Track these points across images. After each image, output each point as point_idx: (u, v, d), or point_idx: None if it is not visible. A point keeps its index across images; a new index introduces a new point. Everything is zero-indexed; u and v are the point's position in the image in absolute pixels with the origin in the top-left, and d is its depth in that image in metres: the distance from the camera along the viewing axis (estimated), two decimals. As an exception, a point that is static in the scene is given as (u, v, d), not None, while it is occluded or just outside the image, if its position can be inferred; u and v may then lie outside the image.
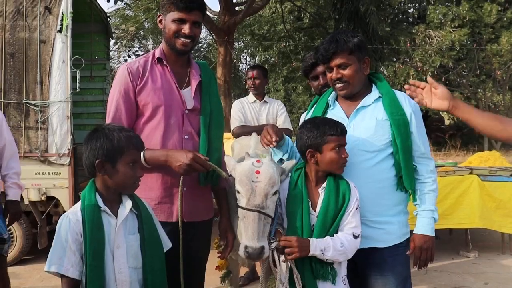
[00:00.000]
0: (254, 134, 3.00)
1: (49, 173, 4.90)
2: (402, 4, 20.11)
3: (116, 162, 1.89)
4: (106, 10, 7.47)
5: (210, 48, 22.29)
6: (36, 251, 5.18)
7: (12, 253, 5.06)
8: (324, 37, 2.47)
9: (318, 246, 1.97)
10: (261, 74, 4.60)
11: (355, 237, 2.05)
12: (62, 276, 1.82)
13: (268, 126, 2.24)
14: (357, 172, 2.21)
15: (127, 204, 1.95)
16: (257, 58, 21.42)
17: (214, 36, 12.89)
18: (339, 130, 2.09)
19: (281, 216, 2.13)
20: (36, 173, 4.87)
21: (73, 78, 4.96)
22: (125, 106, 2.32)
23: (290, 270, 2.03)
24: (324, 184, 2.10)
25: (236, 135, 4.24)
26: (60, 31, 4.86)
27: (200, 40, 20.67)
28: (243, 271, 4.50)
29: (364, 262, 2.25)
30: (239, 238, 2.19)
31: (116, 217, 1.92)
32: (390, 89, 2.33)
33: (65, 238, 1.82)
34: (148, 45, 21.29)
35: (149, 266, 1.93)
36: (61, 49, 4.86)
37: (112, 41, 10.79)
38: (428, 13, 17.60)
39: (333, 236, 2.03)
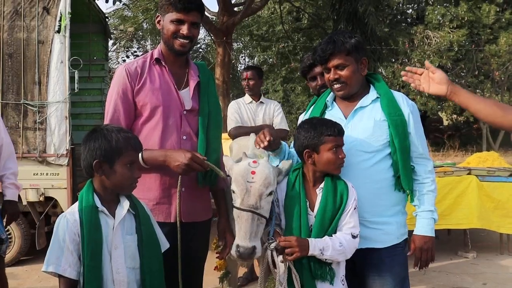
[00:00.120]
0: (252, 135, 2.99)
1: (47, 174, 4.90)
2: (400, 5, 20.14)
3: (114, 163, 1.89)
4: (104, 11, 7.48)
5: (208, 48, 22.28)
6: (34, 252, 5.17)
7: (10, 254, 5.06)
8: (322, 38, 2.47)
9: (317, 246, 1.97)
10: (256, 75, 4.61)
11: (354, 237, 2.05)
12: (59, 276, 1.82)
13: (266, 129, 2.24)
14: (355, 173, 2.21)
15: (125, 204, 1.95)
16: (255, 58, 21.41)
17: (212, 37, 12.90)
18: (336, 130, 2.09)
19: (279, 217, 2.13)
20: (34, 174, 4.87)
21: (71, 79, 4.96)
22: (123, 107, 2.32)
23: (289, 270, 2.03)
24: (322, 185, 2.10)
25: (233, 136, 4.24)
26: (58, 31, 4.86)
27: (199, 41, 20.68)
28: (241, 271, 4.50)
29: (362, 262, 2.25)
30: None
31: (114, 217, 1.92)
32: (388, 89, 2.33)
33: (62, 238, 1.82)
34: (147, 46, 21.29)
35: (147, 267, 1.93)
36: (59, 50, 4.86)
37: (110, 42, 10.82)
38: (427, 13, 17.62)
39: (332, 236, 2.03)
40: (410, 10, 20.85)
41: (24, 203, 4.88)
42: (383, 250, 2.24)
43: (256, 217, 1.98)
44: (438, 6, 17.56)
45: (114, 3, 10.83)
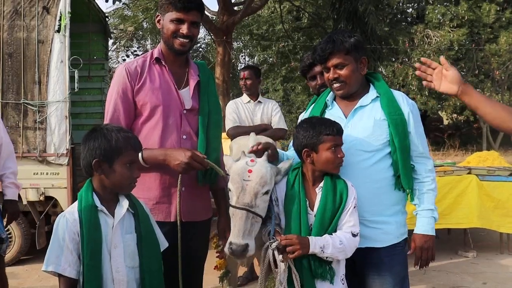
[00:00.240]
0: (252, 134, 2.99)
1: (47, 173, 4.90)
2: (400, 4, 20.14)
3: (113, 162, 1.89)
4: (104, 10, 7.47)
5: (208, 48, 22.28)
6: (34, 251, 5.17)
7: (10, 253, 5.07)
8: (322, 37, 2.47)
9: (318, 244, 1.97)
10: (253, 75, 4.61)
11: (354, 235, 2.05)
12: (59, 275, 1.82)
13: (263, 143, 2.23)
14: (355, 172, 2.21)
15: (124, 203, 1.95)
16: (255, 58, 21.42)
17: (212, 36, 12.89)
18: (335, 130, 2.09)
19: (278, 216, 2.13)
20: (34, 173, 4.87)
21: (71, 78, 4.96)
22: (123, 106, 2.32)
23: (289, 270, 2.03)
24: (322, 184, 2.10)
25: (231, 136, 4.24)
26: (58, 31, 4.86)
27: (199, 40, 20.68)
28: (241, 271, 4.50)
29: (362, 261, 2.25)
30: None
31: (113, 216, 1.92)
32: (387, 88, 2.33)
33: (62, 237, 1.83)
34: (147, 45, 21.29)
35: (146, 266, 1.94)
36: (59, 49, 4.86)
37: (110, 41, 10.81)
38: (427, 13, 17.63)
39: (332, 234, 2.03)
40: (410, 9, 20.87)
41: (24, 202, 4.89)
42: (383, 250, 2.24)
43: (251, 216, 1.99)
44: (439, 5, 17.57)
45: (114, 2, 10.83)
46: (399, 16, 20.46)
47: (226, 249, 2.01)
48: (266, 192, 2.05)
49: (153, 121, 2.33)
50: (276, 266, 2.02)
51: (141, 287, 1.94)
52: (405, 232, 2.34)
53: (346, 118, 2.32)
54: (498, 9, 17.05)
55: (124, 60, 17.82)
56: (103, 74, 7.00)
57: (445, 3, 17.80)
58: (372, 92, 2.33)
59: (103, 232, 1.87)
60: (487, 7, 16.75)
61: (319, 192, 2.09)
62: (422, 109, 17.21)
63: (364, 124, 2.27)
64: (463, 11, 16.58)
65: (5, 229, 3.21)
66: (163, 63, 2.38)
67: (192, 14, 2.31)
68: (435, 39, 16.01)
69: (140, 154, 2.16)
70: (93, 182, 1.94)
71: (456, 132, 21.44)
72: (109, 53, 10.89)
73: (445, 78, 1.94)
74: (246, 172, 2.03)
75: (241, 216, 1.98)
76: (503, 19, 17.05)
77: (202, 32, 18.56)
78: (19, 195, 3.36)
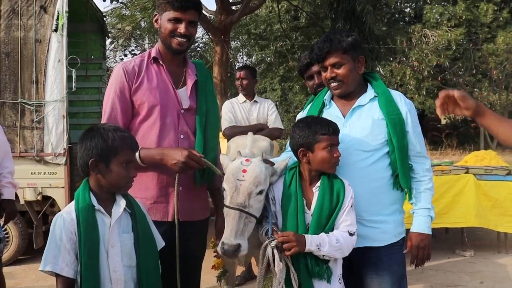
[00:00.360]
0: (250, 133, 3.00)
1: (45, 173, 4.89)
2: (398, 4, 20.17)
3: (110, 162, 1.89)
4: (102, 9, 7.46)
5: (206, 47, 22.27)
6: (32, 251, 5.17)
7: (7, 253, 5.05)
8: (320, 37, 2.47)
9: (314, 241, 1.97)
10: (249, 75, 4.62)
11: (351, 234, 2.05)
12: (57, 275, 1.82)
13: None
14: (353, 172, 2.21)
15: (122, 203, 1.95)
16: (253, 57, 21.43)
17: (210, 36, 12.87)
18: (331, 129, 2.09)
19: (275, 215, 2.13)
20: (32, 173, 4.86)
21: (69, 78, 4.95)
22: (120, 106, 2.31)
23: (287, 269, 2.02)
24: (319, 183, 2.10)
25: (227, 136, 4.23)
26: (56, 30, 4.84)
27: (197, 40, 20.66)
28: (239, 270, 4.50)
29: (360, 261, 2.25)
30: None
31: (110, 216, 1.92)
32: (385, 88, 2.33)
33: (59, 237, 1.82)
34: (145, 45, 21.25)
35: (143, 265, 1.94)
36: (56, 49, 4.85)
37: (108, 41, 10.79)
38: (425, 12, 17.66)
39: (328, 233, 2.03)
40: (408, 9, 20.90)
41: (22, 202, 4.87)
42: (381, 249, 2.24)
43: (244, 216, 1.98)
44: (436, 5, 17.61)
45: (111, 1, 10.80)
46: (397, 16, 20.50)
47: (218, 249, 2.01)
48: (260, 192, 2.04)
49: (150, 120, 2.32)
50: (274, 264, 2.02)
51: (138, 287, 1.93)
52: (403, 231, 2.35)
53: (344, 117, 2.32)
54: (496, 8, 17.09)
55: (122, 59, 17.78)
56: (101, 74, 6.99)
57: (442, 3, 17.84)
58: (370, 92, 2.33)
59: (101, 232, 1.86)
60: (485, 7, 16.79)
61: (316, 191, 2.09)
62: (419, 109, 17.25)
63: (362, 123, 2.27)
64: (460, 11, 16.62)
65: (3, 229, 3.21)
66: (161, 62, 2.38)
67: (190, 13, 2.30)
68: (433, 39, 16.03)
69: (137, 154, 2.16)
70: (90, 181, 1.94)
71: (453, 132, 21.48)
72: (107, 53, 10.88)
73: (459, 105, 1.95)
74: (240, 171, 2.03)
75: (234, 216, 1.98)
76: (501, 18, 17.09)
77: (200, 31, 18.59)
78: (16, 195, 3.36)
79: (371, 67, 9.98)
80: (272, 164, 2.19)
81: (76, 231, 1.83)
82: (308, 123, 2.13)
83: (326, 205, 2.04)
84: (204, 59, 19.93)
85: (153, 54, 2.39)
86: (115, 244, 1.89)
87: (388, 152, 2.26)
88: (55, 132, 4.82)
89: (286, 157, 2.29)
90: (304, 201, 2.09)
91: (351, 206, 2.08)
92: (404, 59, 17.02)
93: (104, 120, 2.30)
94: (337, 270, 2.09)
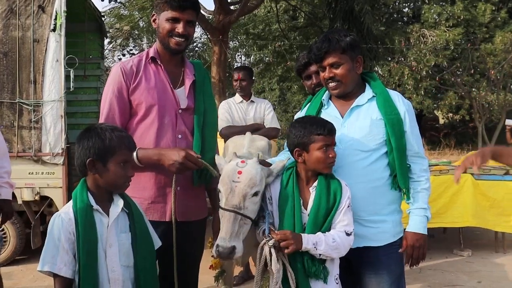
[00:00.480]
0: (248, 133, 3.00)
1: (42, 173, 4.89)
2: (397, 4, 20.17)
3: (107, 162, 1.89)
4: (100, 9, 7.44)
5: (204, 47, 22.24)
6: (29, 251, 5.16)
7: (5, 253, 5.04)
8: (319, 37, 2.48)
9: (310, 240, 1.97)
10: (247, 76, 4.62)
11: (348, 234, 2.05)
12: (55, 275, 1.82)
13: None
14: (352, 172, 2.21)
15: (119, 203, 1.95)
16: (251, 57, 21.41)
17: (208, 35, 12.86)
18: (326, 130, 2.09)
19: (272, 215, 2.13)
20: (29, 173, 4.85)
21: (67, 78, 4.95)
22: (118, 105, 2.31)
23: (284, 269, 2.02)
24: (315, 183, 2.10)
25: (224, 136, 4.23)
26: (54, 30, 4.84)
27: (195, 39, 20.63)
28: (237, 270, 4.50)
29: (358, 260, 2.26)
30: None
31: (108, 215, 1.92)
32: (384, 88, 2.33)
33: (57, 237, 1.82)
34: (143, 44, 21.22)
35: (140, 265, 1.94)
36: (54, 48, 4.84)
37: (106, 40, 10.77)
38: (423, 12, 17.65)
39: (325, 233, 2.04)
40: (406, 9, 20.90)
41: (20, 202, 4.86)
42: (380, 249, 2.25)
43: (239, 218, 1.98)
44: (434, 5, 17.59)
45: (110, 1, 10.82)
46: (395, 16, 20.50)
47: (213, 251, 2.00)
48: (256, 194, 2.04)
49: (148, 120, 2.32)
50: (271, 264, 2.02)
51: (135, 286, 1.93)
52: (401, 230, 2.35)
53: (342, 117, 2.32)
54: (494, 8, 17.09)
55: (120, 59, 17.74)
56: (99, 74, 6.97)
57: (441, 3, 17.84)
58: (368, 92, 2.33)
59: (99, 231, 1.86)
60: (483, 7, 16.79)
61: (313, 191, 2.09)
62: (417, 109, 17.24)
63: (360, 124, 2.27)
64: (459, 11, 16.61)
65: (0, 229, 3.20)
66: (159, 62, 2.38)
67: (188, 13, 2.30)
68: (431, 39, 16.02)
69: (134, 154, 2.16)
70: (88, 181, 1.94)
71: (451, 132, 21.49)
72: (105, 52, 10.86)
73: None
74: (235, 173, 2.03)
75: (229, 218, 1.97)
76: (499, 18, 17.10)
77: (198, 31, 18.54)
78: (14, 195, 3.35)
79: (369, 67, 9.97)
80: (269, 165, 2.18)
81: (74, 231, 1.83)
82: (304, 123, 2.13)
83: (323, 205, 2.04)
84: (202, 59, 19.92)
85: (151, 54, 2.39)
86: (113, 244, 1.89)
87: (386, 152, 2.26)
88: (53, 132, 4.81)
89: (285, 158, 2.29)
90: (301, 201, 2.09)
91: (348, 206, 2.08)
92: (402, 59, 17.01)
93: (102, 119, 2.30)
94: (334, 270, 2.09)
